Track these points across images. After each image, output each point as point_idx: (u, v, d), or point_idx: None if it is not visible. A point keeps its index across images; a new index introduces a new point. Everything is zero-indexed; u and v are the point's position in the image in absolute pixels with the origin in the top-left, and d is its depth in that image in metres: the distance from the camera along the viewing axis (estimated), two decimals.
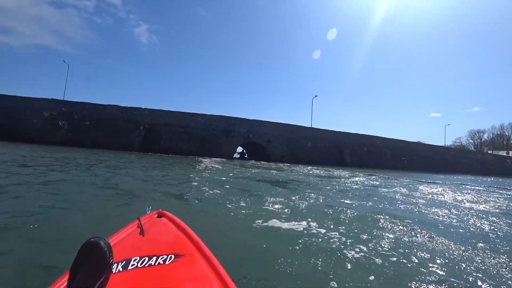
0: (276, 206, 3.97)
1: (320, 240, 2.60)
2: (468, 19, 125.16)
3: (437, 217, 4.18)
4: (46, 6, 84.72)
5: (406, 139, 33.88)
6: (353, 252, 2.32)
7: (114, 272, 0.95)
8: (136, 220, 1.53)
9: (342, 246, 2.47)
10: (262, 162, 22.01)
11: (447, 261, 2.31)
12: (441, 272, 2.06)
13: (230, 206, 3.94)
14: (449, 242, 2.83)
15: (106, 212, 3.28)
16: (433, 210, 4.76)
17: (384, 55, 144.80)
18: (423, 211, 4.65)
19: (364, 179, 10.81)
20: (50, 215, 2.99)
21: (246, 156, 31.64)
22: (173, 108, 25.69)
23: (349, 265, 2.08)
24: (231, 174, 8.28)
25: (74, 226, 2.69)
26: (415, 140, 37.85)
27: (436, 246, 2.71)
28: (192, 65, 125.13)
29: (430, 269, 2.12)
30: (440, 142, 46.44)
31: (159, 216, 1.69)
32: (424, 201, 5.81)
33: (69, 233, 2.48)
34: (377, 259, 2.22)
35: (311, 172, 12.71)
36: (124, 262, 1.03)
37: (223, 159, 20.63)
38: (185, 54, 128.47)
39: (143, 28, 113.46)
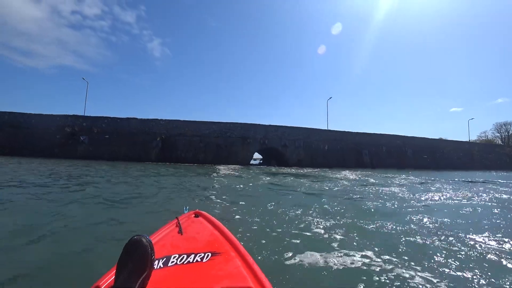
0: (313, 216, 3.56)
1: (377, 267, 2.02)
2: (488, 7, 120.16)
3: None
4: (65, 29, 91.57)
5: (427, 137, 32.51)
6: None
7: (155, 268, 1.00)
8: (174, 220, 1.60)
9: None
10: (281, 167, 21.63)
11: None
12: None
13: (260, 210, 3.92)
14: None
15: (147, 212, 3.70)
16: None
17: (395, 51, 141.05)
18: None
19: (408, 182, 9.91)
20: (98, 217, 3.26)
21: (261, 162, 31.35)
22: (188, 117, 25.86)
23: None
24: (250, 184, 7.98)
25: (120, 225, 2.99)
26: (437, 137, 36.16)
27: None
28: (204, 74, 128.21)
29: None
30: (464, 138, 44.26)
31: (196, 215, 1.76)
32: None
33: (115, 231, 2.75)
34: None
35: (343, 175, 12.20)
36: (165, 259, 1.09)
37: (240, 166, 20.44)
38: (197, 63, 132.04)
39: (156, 42, 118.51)
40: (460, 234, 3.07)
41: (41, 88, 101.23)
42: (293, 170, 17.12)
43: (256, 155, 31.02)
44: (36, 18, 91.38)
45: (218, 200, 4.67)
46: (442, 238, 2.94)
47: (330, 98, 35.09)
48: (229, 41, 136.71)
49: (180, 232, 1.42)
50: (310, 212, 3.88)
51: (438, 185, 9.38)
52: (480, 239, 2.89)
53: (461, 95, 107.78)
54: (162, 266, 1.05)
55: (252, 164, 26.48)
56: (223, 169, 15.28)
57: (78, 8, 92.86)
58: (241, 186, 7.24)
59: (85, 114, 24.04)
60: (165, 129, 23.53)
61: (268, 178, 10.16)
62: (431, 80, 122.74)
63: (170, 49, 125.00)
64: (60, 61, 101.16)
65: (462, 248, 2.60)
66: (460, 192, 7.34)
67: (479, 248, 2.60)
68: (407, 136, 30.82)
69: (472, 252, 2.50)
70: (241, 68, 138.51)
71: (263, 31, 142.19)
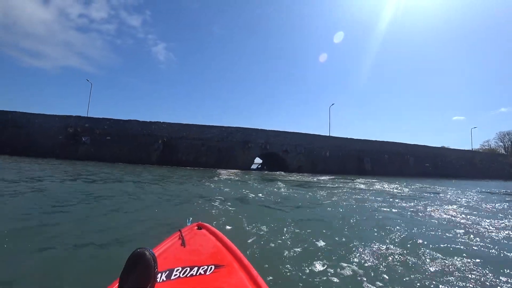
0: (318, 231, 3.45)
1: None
2: (488, 14, 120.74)
3: None
4: (72, 31, 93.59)
5: (429, 145, 32.37)
6: None
7: (158, 281, 0.99)
8: (177, 232, 1.59)
9: None
10: (288, 173, 21.46)
11: None
12: None
13: (264, 223, 3.83)
14: None
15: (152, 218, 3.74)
16: None
17: (395, 58, 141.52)
18: None
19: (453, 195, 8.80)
20: (100, 224, 3.29)
21: (260, 167, 31.21)
22: (191, 121, 26.01)
23: None
24: (246, 190, 7.89)
25: (123, 232, 2.96)
26: (439, 146, 35.98)
27: None
28: (208, 78, 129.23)
29: None
30: (466, 147, 43.74)
31: (199, 227, 1.74)
32: None
33: (118, 239, 2.71)
34: None
35: (355, 185, 11.94)
36: (168, 272, 1.08)
37: (240, 171, 20.34)
38: (201, 68, 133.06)
39: (161, 46, 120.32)
40: None
41: (47, 88, 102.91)
42: (304, 178, 16.05)
43: (258, 160, 30.92)
44: (44, 20, 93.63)
45: (221, 211, 4.58)
46: None
47: (333, 104, 35.14)
48: (232, 47, 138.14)
49: (183, 244, 1.41)
50: (324, 228, 3.65)
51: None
52: None
53: (463, 104, 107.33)
54: (165, 279, 1.03)
55: (253, 169, 26.38)
56: (224, 174, 15.19)
57: (86, 11, 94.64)
58: (246, 193, 7.12)
59: (88, 115, 24.12)
60: (167, 131, 23.55)
61: (277, 188, 10.04)
62: (433, 89, 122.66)
63: (175, 54, 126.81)
64: (66, 63, 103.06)
65: None
66: None
67: None
68: (409, 144, 30.68)
69: None
70: (244, 73, 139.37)
71: (267, 37, 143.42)
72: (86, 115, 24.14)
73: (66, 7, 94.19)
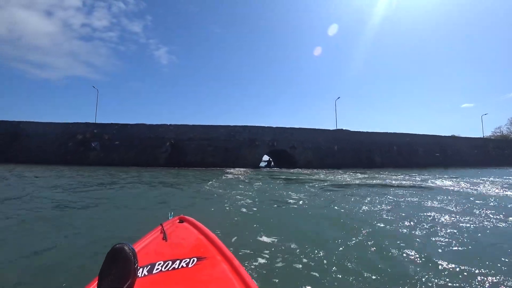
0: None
1: None
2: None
3: None
4: (76, 41, 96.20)
5: (438, 134, 31.72)
6: None
7: (139, 276, 0.98)
8: (159, 226, 1.59)
9: None
10: (291, 169, 21.38)
11: None
12: None
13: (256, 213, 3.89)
14: None
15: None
16: None
17: (399, 49, 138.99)
18: None
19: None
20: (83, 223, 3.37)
21: (272, 164, 31.10)
22: (196, 122, 26.09)
23: None
24: (257, 185, 7.84)
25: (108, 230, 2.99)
26: (449, 135, 35.27)
27: None
28: (211, 79, 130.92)
29: None
30: (477, 135, 42.66)
31: (181, 221, 1.74)
32: None
33: (99, 238, 2.72)
34: None
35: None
36: (149, 266, 1.08)
37: (248, 169, 20.33)
38: (203, 69, 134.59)
39: (163, 50, 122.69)
40: None
41: (55, 98, 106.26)
42: (320, 176, 14.81)
43: (266, 158, 30.87)
44: (48, 32, 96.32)
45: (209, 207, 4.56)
46: None
47: (338, 98, 34.80)
48: (233, 46, 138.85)
49: (164, 238, 1.41)
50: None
51: None
52: None
53: (472, 91, 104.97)
54: (146, 274, 1.03)
55: (261, 167, 26.32)
56: (233, 173, 15.17)
57: (88, 21, 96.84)
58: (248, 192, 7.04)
59: (96, 121, 24.47)
60: (174, 133, 23.71)
61: (283, 183, 9.96)
62: (440, 78, 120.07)
63: (177, 56, 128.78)
64: (71, 72, 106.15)
65: None
66: None
67: None
68: (417, 134, 30.18)
69: None
70: (247, 72, 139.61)
71: (267, 35, 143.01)
72: (94, 121, 24.49)
73: (68, 18, 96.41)
